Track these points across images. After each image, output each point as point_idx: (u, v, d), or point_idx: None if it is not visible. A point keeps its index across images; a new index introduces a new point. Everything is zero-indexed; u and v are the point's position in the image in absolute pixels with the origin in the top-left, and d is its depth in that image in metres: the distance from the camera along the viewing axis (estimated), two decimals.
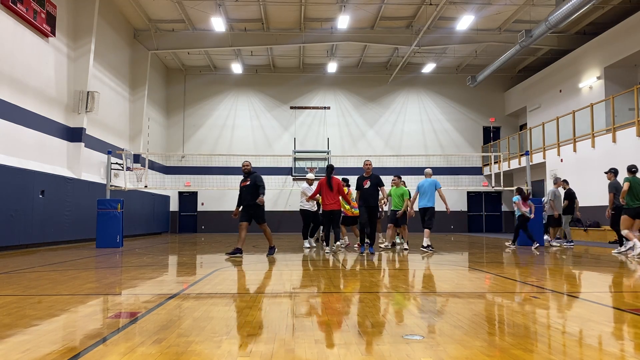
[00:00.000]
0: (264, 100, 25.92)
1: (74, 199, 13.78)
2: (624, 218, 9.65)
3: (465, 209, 25.71)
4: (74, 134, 15.25)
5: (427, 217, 10.75)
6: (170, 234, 23.37)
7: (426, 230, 10.79)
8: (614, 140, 15.53)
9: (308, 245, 11.92)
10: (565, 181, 13.76)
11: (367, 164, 10.24)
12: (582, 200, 17.31)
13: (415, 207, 11.29)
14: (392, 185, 11.75)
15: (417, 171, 21.19)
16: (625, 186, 9.56)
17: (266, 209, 28.97)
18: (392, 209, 11.72)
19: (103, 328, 3.45)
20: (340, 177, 11.05)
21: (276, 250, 10.32)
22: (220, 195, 24.96)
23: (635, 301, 4.61)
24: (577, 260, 9.01)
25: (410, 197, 11.38)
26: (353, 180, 11.63)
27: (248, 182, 9.56)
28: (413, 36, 20.45)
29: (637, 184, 9.62)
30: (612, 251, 10.68)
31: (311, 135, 25.77)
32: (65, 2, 15.05)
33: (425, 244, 10.73)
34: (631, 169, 9.85)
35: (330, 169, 10.34)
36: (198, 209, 25.30)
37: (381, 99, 26.15)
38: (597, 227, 16.19)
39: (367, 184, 10.06)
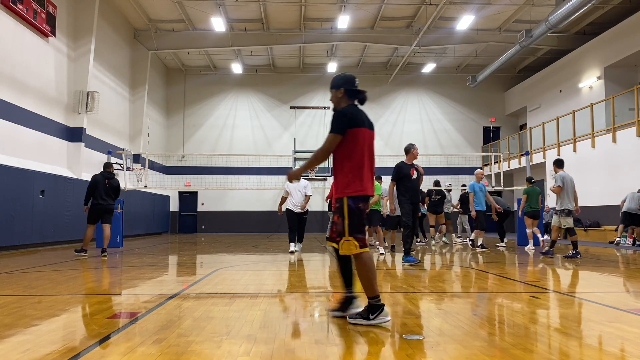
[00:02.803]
0: (264, 100, 25.92)
1: (74, 199, 13.77)
2: (525, 219, 11.68)
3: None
4: (74, 134, 15.25)
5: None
6: (170, 234, 23.37)
7: (481, 232, 11.48)
8: (614, 140, 15.53)
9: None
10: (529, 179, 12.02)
11: (417, 149, 8.29)
12: (582, 200, 17.30)
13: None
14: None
15: None
16: (524, 198, 11.61)
17: (266, 209, 28.88)
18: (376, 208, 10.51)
19: (103, 328, 3.45)
20: None
21: (84, 255, 9.31)
22: (221, 195, 24.97)
23: (635, 301, 4.61)
24: (577, 260, 9.01)
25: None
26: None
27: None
28: (413, 36, 20.44)
29: (534, 193, 11.51)
30: (498, 245, 12.42)
31: (311, 135, 25.76)
32: (65, 2, 15.04)
33: (479, 243, 11.32)
34: (530, 180, 11.79)
35: None
36: (198, 209, 25.30)
37: (381, 99, 26.15)
38: (597, 227, 16.19)
39: (415, 174, 8.17)
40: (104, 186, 9.56)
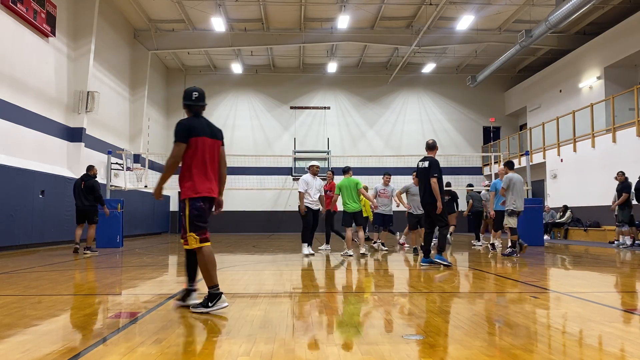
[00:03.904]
0: (264, 100, 25.91)
1: (74, 199, 13.77)
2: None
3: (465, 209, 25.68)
4: (74, 134, 15.25)
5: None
6: (171, 234, 23.37)
7: (497, 233, 10.92)
8: (614, 140, 15.52)
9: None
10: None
11: None
12: (582, 200, 17.32)
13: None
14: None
15: None
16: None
17: (266, 209, 28.88)
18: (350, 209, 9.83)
19: (103, 328, 3.45)
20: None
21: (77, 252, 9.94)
22: None
23: (635, 301, 4.61)
24: (577, 260, 9.02)
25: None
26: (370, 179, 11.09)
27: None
28: (413, 36, 20.44)
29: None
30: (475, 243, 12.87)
31: (311, 135, 25.76)
32: (65, 2, 15.04)
33: (496, 244, 10.81)
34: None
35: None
36: None
37: (381, 99, 26.14)
38: (597, 227, 16.18)
39: None
40: (80, 188, 10.12)
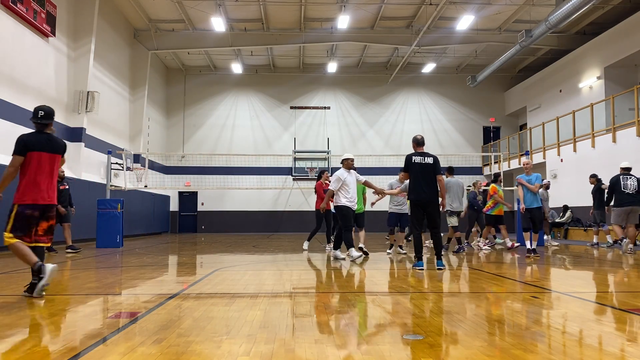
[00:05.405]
0: (264, 100, 25.92)
1: (74, 198, 13.72)
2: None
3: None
4: (74, 134, 15.24)
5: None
6: (170, 234, 23.37)
7: (525, 233, 10.38)
8: (614, 140, 15.52)
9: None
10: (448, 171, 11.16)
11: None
12: (582, 200, 17.30)
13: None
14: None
15: None
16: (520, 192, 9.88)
17: (266, 209, 28.69)
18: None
19: (103, 328, 3.45)
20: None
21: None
22: (221, 195, 24.96)
23: (635, 301, 4.61)
24: (577, 260, 9.01)
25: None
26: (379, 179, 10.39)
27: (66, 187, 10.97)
28: (413, 36, 20.44)
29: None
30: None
31: (311, 135, 25.77)
32: (65, 2, 15.04)
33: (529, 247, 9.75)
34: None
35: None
36: (198, 209, 25.31)
37: (381, 99, 26.15)
38: None
39: None
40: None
